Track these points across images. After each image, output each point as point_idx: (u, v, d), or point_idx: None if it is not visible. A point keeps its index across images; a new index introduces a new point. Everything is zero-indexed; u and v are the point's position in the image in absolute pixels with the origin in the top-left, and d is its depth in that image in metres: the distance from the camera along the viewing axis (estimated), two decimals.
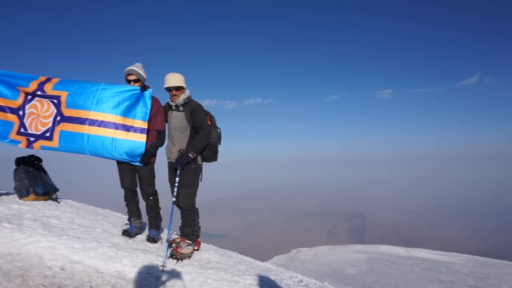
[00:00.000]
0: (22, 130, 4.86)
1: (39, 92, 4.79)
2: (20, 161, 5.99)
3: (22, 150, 4.96)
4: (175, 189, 4.47)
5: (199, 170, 4.65)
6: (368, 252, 16.06)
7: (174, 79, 4.44)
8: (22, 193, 5.83)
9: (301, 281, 4.60)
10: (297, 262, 15.75)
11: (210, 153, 4.65)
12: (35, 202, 5.82)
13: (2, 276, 3.23)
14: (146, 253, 4.21)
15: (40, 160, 6.26)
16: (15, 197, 5.95)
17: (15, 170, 5.94)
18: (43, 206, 5.64)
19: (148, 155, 4.58)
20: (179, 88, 4.47)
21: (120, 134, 4.53)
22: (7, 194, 6.18)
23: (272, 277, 4.43)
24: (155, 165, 4.80)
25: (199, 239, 4.88)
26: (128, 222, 5.04)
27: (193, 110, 4.48)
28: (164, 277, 3.70)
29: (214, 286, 3.71)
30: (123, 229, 4.95)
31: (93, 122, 4.58)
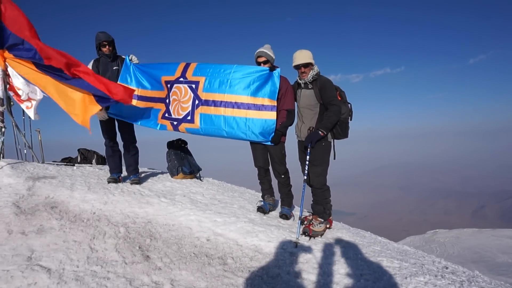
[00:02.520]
0: (166, 115, 5.50)
1: (181, 79, 5.32)
2: (170, 145, 6.96)
3: (171, 134, 5.63)
4: (306, 167, 4.48)
5: (330, 147, 4.53)
6: None
7: (302, 56, 4.37)
8: (173, 172, 6.76)
9: (446, 268, 4.11)
10: (434, 245, 14.42)
11: (341, 130, 4.46)
12: (183, 180, 6.66)
13: (162, 242, 3.81)
14: (279, 229, 4.36)
15: (186, 143, 7.13)
16: (168, 175, 6.93)
17: (167, 152, 6.91)
18: (190, 184, 6.42)
19: (279, 135, 4.70)
20: (307, 65, 4.39)
21: (253, 114, 4.78)
22: (162, 173, 7.24)
23: (412, 261, 4.08)
24: (286, 144, 4.90)
25: (330, 218, 4.83)
26: (262, 199, 5.32)
27: (323, 86, 4.36)
28: (298, 253, 3.77)
29: (348, 265, 3.62)
30: (257, 206, 5.24)
31: (228, 104, 4.94)
